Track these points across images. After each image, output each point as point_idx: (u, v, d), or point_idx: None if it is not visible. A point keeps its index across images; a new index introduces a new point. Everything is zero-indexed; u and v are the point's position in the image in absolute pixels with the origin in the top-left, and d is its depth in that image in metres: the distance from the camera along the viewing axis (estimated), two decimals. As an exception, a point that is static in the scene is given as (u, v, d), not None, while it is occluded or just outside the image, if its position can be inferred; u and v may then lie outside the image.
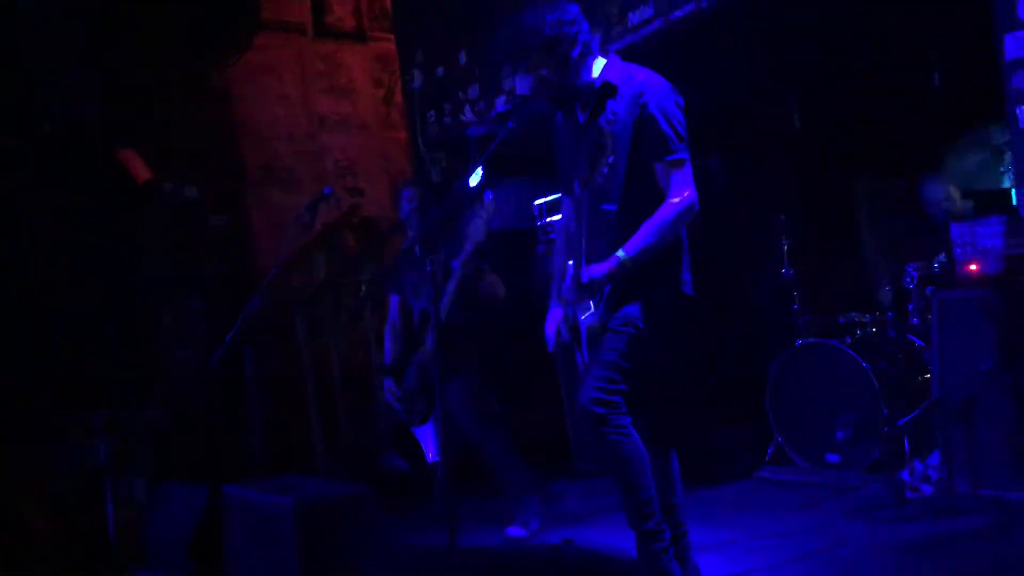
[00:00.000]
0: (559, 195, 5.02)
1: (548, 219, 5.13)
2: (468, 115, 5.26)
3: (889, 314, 4.43)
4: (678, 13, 4.13)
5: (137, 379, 4.83)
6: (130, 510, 3.90)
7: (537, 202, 5.23)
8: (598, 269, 2.51)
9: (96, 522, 3.93)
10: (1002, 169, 3.85)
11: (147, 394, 4.75)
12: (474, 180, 3.58)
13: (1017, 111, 3.28)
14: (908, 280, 4.24)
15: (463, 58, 5.33)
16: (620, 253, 2.51)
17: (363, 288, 5.22)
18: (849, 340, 4.31)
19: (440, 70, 5.54)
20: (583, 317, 2.61)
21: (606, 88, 2.66)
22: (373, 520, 2.48)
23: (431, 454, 4.22)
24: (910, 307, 4.25)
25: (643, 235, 2.53)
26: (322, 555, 2.41)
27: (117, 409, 4.12)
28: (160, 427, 4.42)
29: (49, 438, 4.21)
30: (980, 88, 3.66)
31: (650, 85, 2.61)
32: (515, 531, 3.71)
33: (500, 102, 5.00)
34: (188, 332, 5.12)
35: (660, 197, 2.58)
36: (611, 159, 2.45)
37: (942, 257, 4.07)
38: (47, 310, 4.76)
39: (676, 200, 2.55)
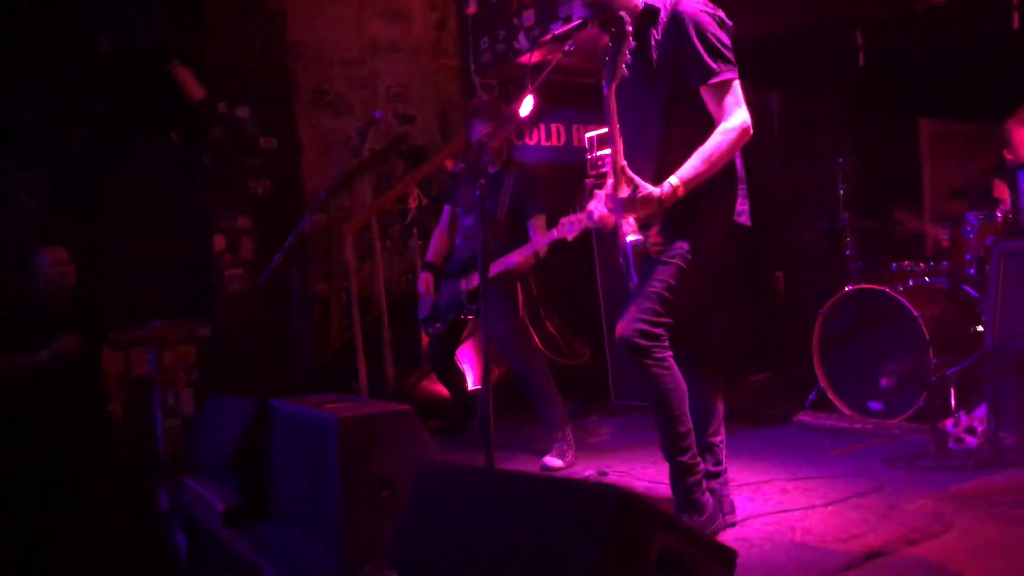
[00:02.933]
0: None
1: (598, 152, 5.05)
2: (522, 42, 5.16)
3: (945, 263, 4.32)
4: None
5: (189, 295, 4.95)
6: (177, 420, 4.03)
7: (588, 135, 5.14)
8: (647, 191, 2.41)
9: (145, 430, 4.06)
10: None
11: (198, 310, 4.85)
12: (525, 109, 3.52)
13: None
14: (968, 229, 4.11)
15: (518, -17, 5.21)
16: (673, 180, 2.42)
17: (409, 216, 5.22)
18: (901, 288, 4.21)
19: (495, -5, 5.43)
20: (629, 239, 2.56)
21: (649, 11, 2.57)
22: (414, 439, 2.52)
23: (472, 381, 4.28)
24: (967, 257, 4.13)
25: (696, 161, 2.43)
26: (363, 471, 2.46)
27: (168, 322, 4.21)
28: (208, 341, 4.52)
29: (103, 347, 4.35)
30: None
31: (689, 6, 2.50)
32: (551, 461, 3.76)
33: (556, 28, 4.88)
34: (238, 251, 5.20)
35: (709, 123, 2.50)
36: (633, 45, 2.37)
37: (1007, 206, 3.93)
38: (101, 225, 4.87)
39: (728, 124, 2.46)
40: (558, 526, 1.78)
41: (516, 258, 3.62)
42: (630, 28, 2.38)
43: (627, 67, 2.38)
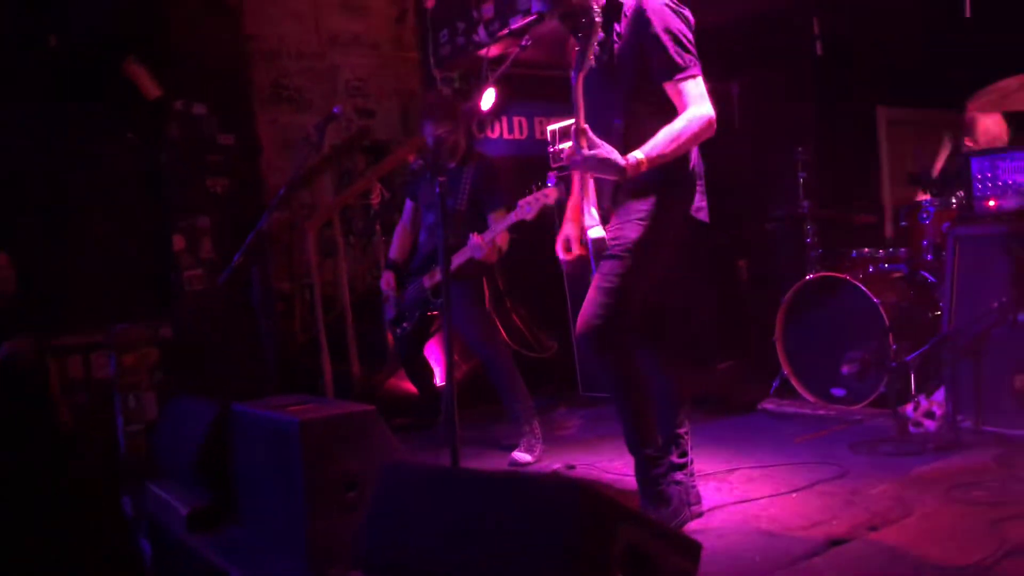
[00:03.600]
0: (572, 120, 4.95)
1: (560, 145, 5.05)
2: (481, 35, 5.13)
3: (902, 250, 4.39)
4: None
5: (148, 296, 4.86)
6: (139, 424, 3.97)
7: (550, 127, 5.14)
8: (609, 151, 2.39)
9: (107, 435, 4.00)
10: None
11: (157, 311, 4.77)
12: (486, 102, 3.51)
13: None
14: (924, 215, 4.18)
15: (478, -25, 5.18)
16: (638, 153, 2.40)
17: (372, 211, 5.18)
18: (861, 275, 4.27)
19: (454, -12, 5.39)
20: (590, 234, 2.56)
21: (612, 5, 2.57)
22: (379, 439, 2.50)
23: (440, 377, 4.26)
24: (924, 243, 4.20)
25: (661, 139, 2.43)
26: (327, 473, 2.44)
27: (128, 324, 4.14)
28: (169, 343, 4.45)
29: (66, 354, 4.27)
30: (1014, 14, 3.53)
31: (654, 2, 2.51)
32: (520, 456, 3.76)
33: (515, 21, 4.87)
34: (197, 250, 5.12)
35: (671, 116, 2.50)
36: (601, 36, 2.37)
37: (960, 192, 4.00)
38: (58, 228, 4.77)
39: (695, 112, 2.46)
40: (523, 523, 1.78)
41: (476, 242, 3.57)
42: (599, 19, 2.38)
43: (595, 58, 2.38)
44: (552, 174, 4.90)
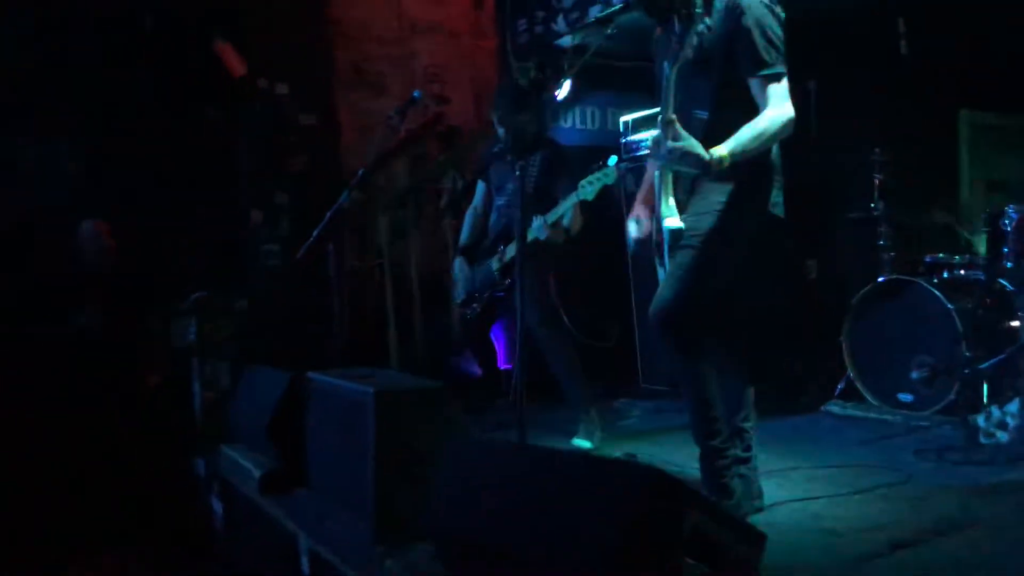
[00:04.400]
0: (648, 111, 4.94)
1: (633, 136, 5.05)
2: (560, 24, 5.15)
3: (981, 257, 4.28)
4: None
5: (227, 269, 5.03)
6: (215, 391, 4.11)
7: (623, 118, 5.14)
8: (694, 144, 2.42)
9: (184, 400, 4.16)
10: None
11: (235, 284, 4.94)
12: (562, 92, 3.55)
13: None
14: (1006, 222, 4.07)
15: (558, -36, 5.19)
16: (722, 149, 2.44)
17: (444, 197, 5.26)
18: (935, 280, 4.19)
19: (533, -24, 5.42)
20: (666, 222, 2.59)
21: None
22: (449, 415, 2.57)
23: (502, 360, 4.33)
24: (1005, 250, 4.09)
25: (744, 136, 2.46)
26: (398, 444, 2.51)
27: (207, 295, 4.30)
28: (245, 315, 4.60)
29: (151, 320, 4.46)
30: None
31: None
32: (579, 442, 3.81)
33: (594, 11, 4.87)
34: (275, 226, 5.27)
35: (755, 112, 2.52)
36: (702, 27, 2.39)
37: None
38: (146, 201, 4.96)
39: (777, 111, 2.49)
40: (592, 501, 1.82)
41: (539, 222, 3.63)
42: (699, 10, 2.41)
43: (691, 50, 2.41)
44: (614, 156, 4.94)
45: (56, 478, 3.87)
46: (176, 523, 3.81)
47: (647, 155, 2.63)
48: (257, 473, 3.15)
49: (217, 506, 3.62)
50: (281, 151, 5.31)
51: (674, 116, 2.43)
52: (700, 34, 2.54)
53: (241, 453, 3.46)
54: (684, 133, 2.42)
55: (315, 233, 3.60)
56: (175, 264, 4.94)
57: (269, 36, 5.31)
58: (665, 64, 2.47)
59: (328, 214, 3.59)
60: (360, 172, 3.77)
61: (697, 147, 2.41)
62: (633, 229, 2.88)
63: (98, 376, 4.24)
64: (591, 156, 5.22)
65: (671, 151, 2.42)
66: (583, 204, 3.53)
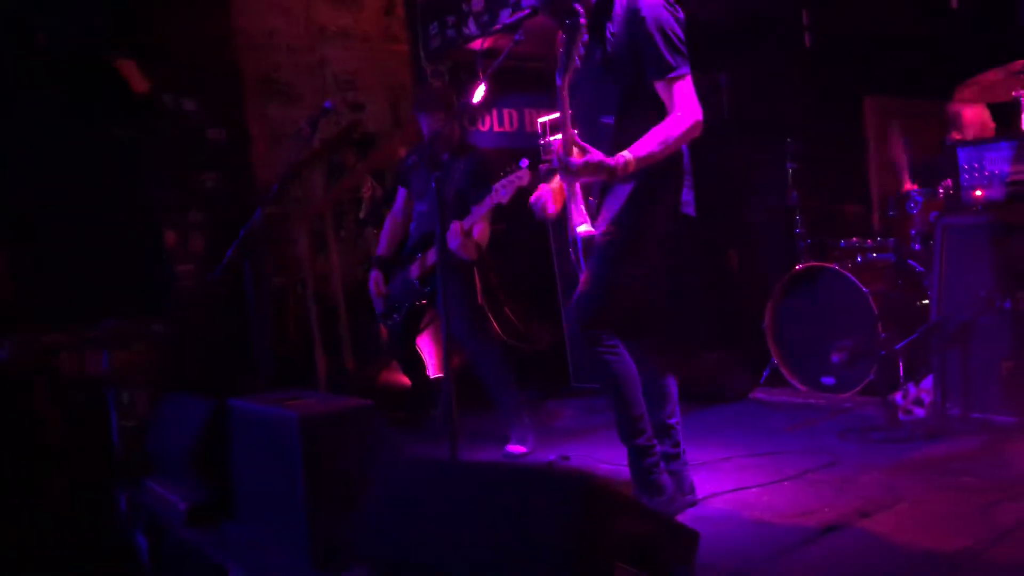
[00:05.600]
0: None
1: (551, 137, 5.06)
2: (471, 28, 5.13)
3: (891, 239, 4.43)
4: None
5: (139, 292, 4.85)
6: (133, 420, 3.96)
7: (540, 120, 5.15)
8: (598, 155, 2.42)
9: (101, 432, 3.99)
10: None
11: (149, 307, 4.77)
12: (477, 96, 3.52)
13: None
14: (912, 205, 4.22)
15: (467, -32, 5.17)
16: (626, 153, 2.44)
17: (364, 206, 5.18)
18: (849, 265, 4.32)
19: (444, -20, 5.38)
20: (579, 229, 2.59)
21: (602, 6, 2.60)
22: (377, 434, 2.52)
23: (432, 370, 4.28)
24: (912, 232, 4.24)
25: (647, 141, 2.47)
26: (326, 467, 2.45)
27: (120, 320, 4.14)
28: (161, 339, 4.45)
29: (54, 350, 4.26)
30: (999, 5, 3.56)
31: (649, 1, 2.54)
32: (514, 448, 3.79)
33: (505, 15, 4.86)
34: (188, 247, 5.11)
35: (662, 116, 2.54)
36: (585, 38, 2.39)
37: (948, 183, 4.04)
38: (48, 225, 4.74)
39: (683, 113, 2.51)
40: (522, 516, 1.81)
41: (454, 229, 3.60)
42: (584, 20, 2.40)
43: (580, 59, 2.40)
44: (524, 159, 4.95)
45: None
46: (102, 561, 3.66)
47: (554, 169, 2.61)
48: (183, 505, 3.04)
49: (142, 541, 3.49)
50: (192, 168, 5.15)
51: (574, 132, 2.43)
52: (603, 40, 2.55)
53: (164, 485, 3.34)
54: (585, 147, 2.42)
55: (229, 252, 3.49)
56: (87, 289, 4.73)
57: (172, 50, 5.13)
58: (556, 75, 2.47)
59: (241, 231, 3.48)
60: (274, 186, 3.67)
61: (600, 157, 2.41)
62: (538, 206, 2.82)
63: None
64: (510, 159, 5.22)
65: (576, 169, 2.41)
66: (498, 208, 3.50)
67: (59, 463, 3.96)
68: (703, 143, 2.69)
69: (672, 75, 2.51)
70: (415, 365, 4.12)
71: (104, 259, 4.83)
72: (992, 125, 4.39)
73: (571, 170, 2.42)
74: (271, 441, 2.62)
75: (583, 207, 2.59)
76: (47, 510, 3.75)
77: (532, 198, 2.83)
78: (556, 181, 2.78)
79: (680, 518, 2.67)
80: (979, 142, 3.55)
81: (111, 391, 4.04)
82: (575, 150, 2.41)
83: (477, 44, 5.08)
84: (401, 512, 2.11)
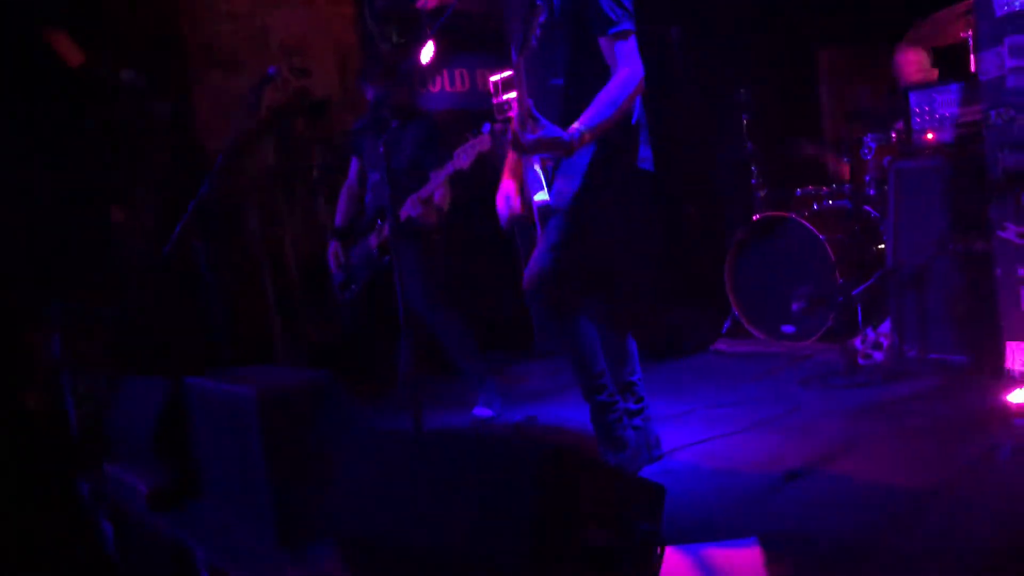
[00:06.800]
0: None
1: (504, 96, 4.99)
2: (417, -13, 4.99)
3: (846, 186, 4.46)
4: None
5: (88, 273, 4.72)
6: (91, 406, 3.87)
7: (492, 78, 5.07)
8: (553, 130, 2.38)
9: (57, 418, 3.90)
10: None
11: (99, 288, 4.64)
12: (425, 56, 3.44)
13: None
14: (866, 151, 4.24)
15: (410, -76, 5.02)
16: (577, 124, 2.41)
17: (315, 173, 5.07)
18: (806, 213, 4.34)
19: (386, -63, 5.22)
20: (535, 197, 2.55)
21: None
22: (339, 406, 2.48)
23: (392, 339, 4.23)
24: (867, 178, 4.27)
25: (596, 107, 2.43)
26: (288, 443, 2.41)
27: (70, 303, 4.02)
28: (114, 320, 4.34)
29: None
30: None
31: None
32: (481, 411, 3.78)
33: (449, -28, 4.74)
34: (137, 224, 4.96)
35: (608, 72, 2.50)
36: (543, 18, 2.33)
37: (900, 126, 4.06)
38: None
39: (625, 73, 2.47)
40: (488, 486, 1.79)
41: (412, 198, 3.54)
42: (540, 1, 2.34)
43: (536, 38, 2.33)
44: (487, 123, 4.88)
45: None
46: (66, 549, 3.60)
47: (508, 144, 2.55)
48: (144, 489, 2.98)
49: (107, 528, 3.43)
50: (136, 141, 4.98)
51: (530, 103, 2.38)
52: (550, 2, 2.49)
53: (125, 470, 3.27)
54: (542, 121, 2.37)
55: (178, 227, 3.39)
56: (34, 271, 4.59)
57: (109, 21, 4.93)
58: (512, 50, 2.41)
59: (190, 205, 3.38)
60: (219, 158, 3.56)
61: (555, 132, 2.37)
62: (503, 207, 2.82)
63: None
64: (463, 120, 5.16)
65: (531, 144, 2.36)
66: (458, 174, 3.44)
67: (18, 452, 3.87)
68: (656, 97, 2.66)
69: (613, 31, 2.47)
70: (374, 335, 4.07)
71: (51, 240, 4.68)
72: (935, 71, 4.40)
73: (526, 147, 2.38)
74: (231, 419, 2.57)
75: (540, 172, 2.56)
76: (13, 503, 3.68)
77: (498, 199, 2.80)
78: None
79: (646, 472, 2.69)
80: (928, 85, 3.57)
81: (66, 375, 3.94)
82: (530, 124, 2.37)
83: (422, 3, 4.95)
84: (366, 486, 2.08)
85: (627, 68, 2.47)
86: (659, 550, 1.85)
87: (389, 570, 1.98)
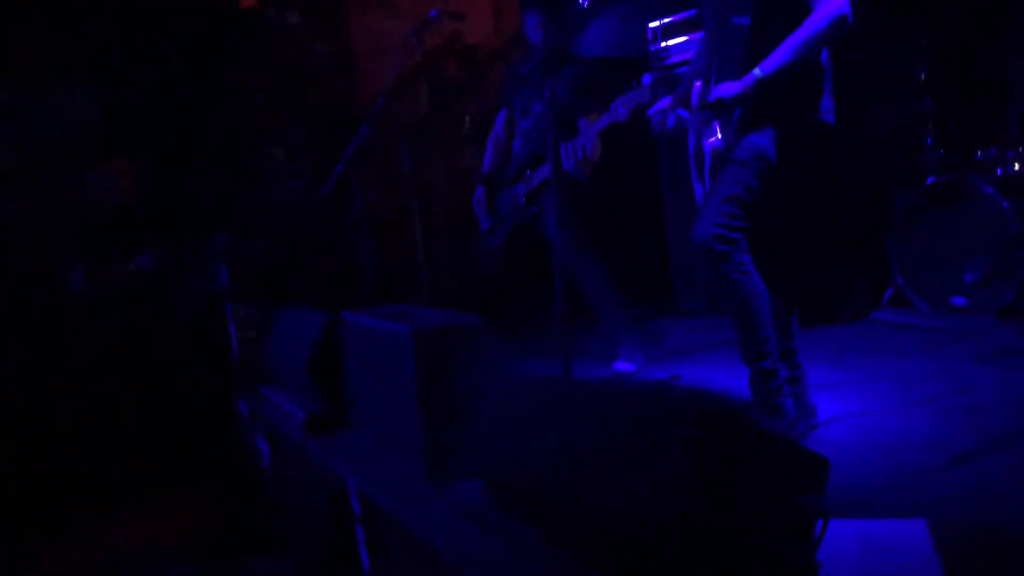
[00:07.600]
0: (677, 17, 4.71)
1: (663, 43, 4.81)
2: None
3: (1036, 149, 4.06)
4: None
5: (248, 210, 4.95)
6: (250, 332, 4.09)
7: (652, 25, 4.89)
8: (729, 88, 2.28)
9: (221, 342, 4.14)
10: None
11: (257, 225, 4.87)
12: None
13: None
14: (1063, 111, 3.84)
15: None
16: (756, 71, 2.28)
17: (467, 120, 5.09)
18: (988, 177, 3.99)
19: None
20: (708, 142, 2.44)
21: None
22: (489, 349, 2.50)
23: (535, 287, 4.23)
24: (1062, 142, 3.88)
25: (783, 51, 2.28)
26: (440, 381, 2.45)
27: (232, 236, 4.24)
28: (272, 255, 4.55)
29: (171, 264, 4.42)
30: None
31: None
32: (622, 366, 3.74)
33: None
34: (294, 163, 5.15)
35: (801, 11, 2.33)
36: None
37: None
38: (158, 140, 4.85)
39: (822, 11, 2.28)
40: (640, 438, 1.75)
41: (568, 149, 3.46)
42: None
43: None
44: (647, 75, 4.72)
45: (101, 425, 3.91)
46: (225, 464, 3.85)
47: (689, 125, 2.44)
48: (301, 414, 3.13)
49: (263, 447, 3.64)
50: (296, 82, 5.14)
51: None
52: None
53: (281, 394, 3.44)
54: (714, 90, 2.24)
55: (338, 168, 3.48)
56: (192, 207, 4.86)
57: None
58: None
59: (349, 149, 3.46)
60: (379, 100, 3.62)
61: (727, 89, 2.24)
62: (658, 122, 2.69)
63: (140, 320, 4.24)
64: (615, 69, 5.02)
65: (706, 107, 2.25)
66: (614, 128, 3.34)
67: (186, 371, 4.15)
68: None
69: None
70: (518, 283, 4.08)
71: (213, 176, 4.93)
72: None
73: (703, 108, 2.26)
74: (384, 355, 2.64)
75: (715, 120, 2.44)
76: (177, 416, 3.95)
77: (651, 110, 2.68)
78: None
79: (803, 442, 2.59)
80: None
81: (229, 304, 4.17)
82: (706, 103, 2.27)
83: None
84: (515, 430, 2.09)
85: (824, 6, 2.29)
86: (822, 524, 1.76)
87: (534, 514, 1.99)
